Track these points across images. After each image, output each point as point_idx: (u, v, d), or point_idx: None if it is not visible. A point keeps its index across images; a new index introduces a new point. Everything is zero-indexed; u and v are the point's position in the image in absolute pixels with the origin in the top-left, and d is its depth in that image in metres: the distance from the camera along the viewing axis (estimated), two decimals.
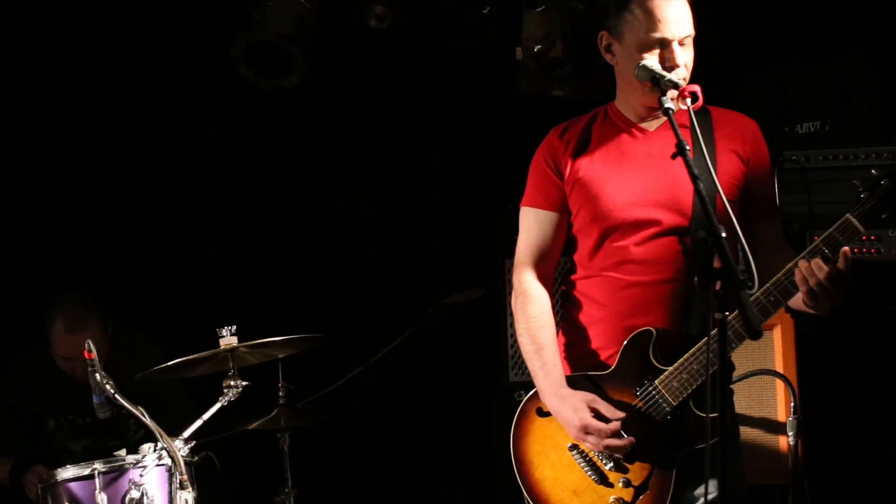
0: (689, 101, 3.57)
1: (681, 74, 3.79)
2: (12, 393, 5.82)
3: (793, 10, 6.06)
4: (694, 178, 3.35)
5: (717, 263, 3.16)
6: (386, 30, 6.47)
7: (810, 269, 3.60)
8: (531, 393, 4.03)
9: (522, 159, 4.20)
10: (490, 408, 5.87)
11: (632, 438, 3.79)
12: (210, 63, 6.51)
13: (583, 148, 4.02)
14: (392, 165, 7.00)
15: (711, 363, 3.40)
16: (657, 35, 3.78)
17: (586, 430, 3.80)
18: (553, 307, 4.09)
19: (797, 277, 3.63)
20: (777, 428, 5.12)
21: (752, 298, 3.62)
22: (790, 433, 4.93)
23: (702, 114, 3.79)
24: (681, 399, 3.78)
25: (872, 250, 5.36)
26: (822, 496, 5.08)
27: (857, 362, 5.37)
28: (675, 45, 3.79)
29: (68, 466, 4.74)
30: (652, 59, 3.78)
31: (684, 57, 3.81)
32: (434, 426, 6.90)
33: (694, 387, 3.75)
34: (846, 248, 3.61)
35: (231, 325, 4.98)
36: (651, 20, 3.79)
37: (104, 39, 6.58)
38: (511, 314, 4.28)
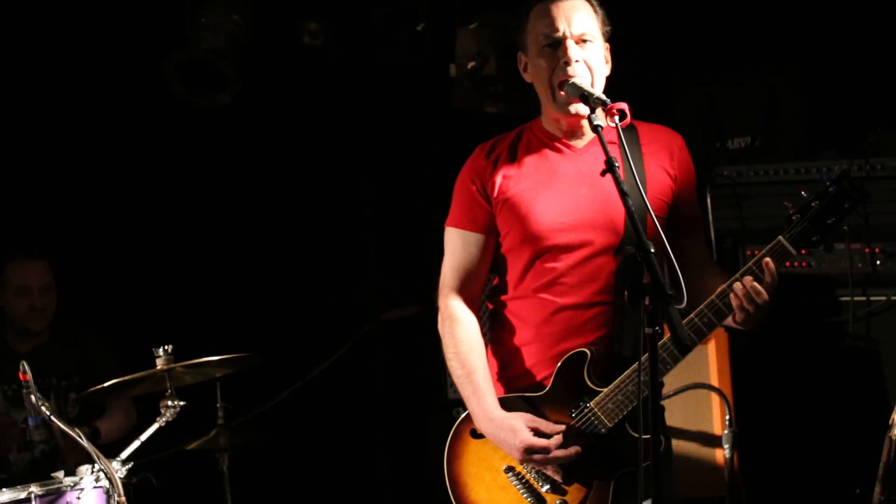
0: (616, 118, 3.52)
1: (578, 71, 3.80)
2: None
3: (722, 24, 6.12)
4: (623, 194, 3.35)
5: (646, 279, 3.18)
6: (319, 47, 6.48)
7: (749, 294, 3.60)
8: (464, 414, 3.99)
9: (457, 176, 4.18)
10: (428, 425, 5.86)
11: (578, 448, 3.76)
12: (143, 80, 6.47)
13: (510, 166, 3.97)
14: (326, 181, 6.98)
15: (651, 383, 3.40)
16: (549, 33, 3.84)
17: (530, 450, 3.77)
18: (480, 327, 4.05)
19: (733, 301, 3.64)
20: (713, 441, 5.15)
21: (685, 321, 3.64)
22: (726, 446, 4.96)
23: (628, 129, 3.75)
24: (616, 421, 3.76)
25: (804, 264, 5.42)
26: None
27: (792, 375, 5.40)
28: (568, 43, 3.82)
29: (4, 490, 4.66)
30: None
31: (580, 53, 3.82)
32: (373, 443, 6.88)
33: (629, 408, 3.73)
34: (767, 260, 3.65)
35: (167, 345, 4.94)
36: (542, 22, 3.86)
37: (35, 57, 6.52)
38: None
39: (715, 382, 5.14)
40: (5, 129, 6.57)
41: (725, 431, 4.96)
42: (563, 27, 3.82)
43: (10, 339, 5.92)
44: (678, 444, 5.11)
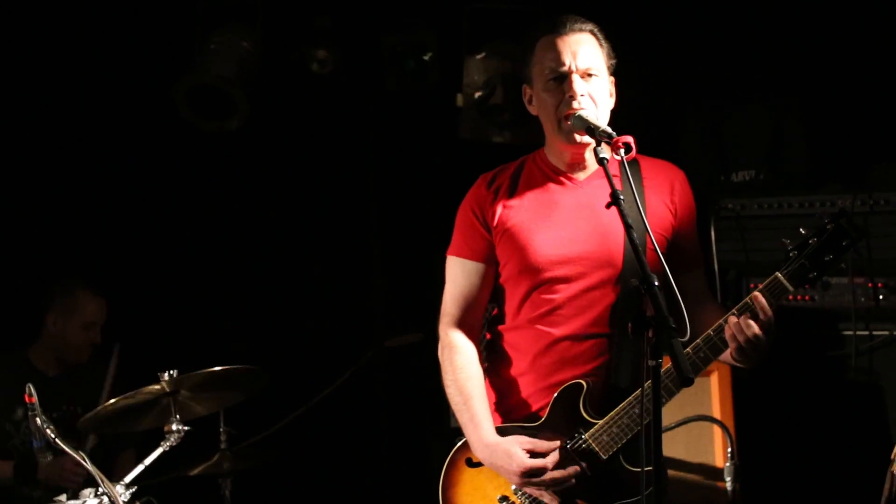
0: (622, 151, 3.54)
1: (584, 105, 3.83)
2: None
3: (726, 58, 6.14)
4: (627, 227, 3.38)
5: (649, 312, 3.19)
6: (327, 74, 6.50)
7: (740, 326, 3.63)
8: (460, 443, 4.03)
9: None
10: (430, 452, 5.86)
11: (577, 468, 3.77)
12: (152, 105, 6.50)
13: (511, 197, 4.01)
14: (332, 208, 7.00)
15: (649, 415, 3.40)
16: (554, 68, 3.87)
17: (528, 473, 3.78)
18: (479, 355, 4.08)
19: (727, 334, 3.66)
20: (715, 474, 5.13)
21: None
22: (728, 478, 4.94)
23: (631, 163, 3.74)
24: (611, 453, 3.78)
25: (807, 297, 5.43)
26: None
27: (794, 408, 5.41)
28: (574, 77, 3.85)
29: None
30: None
31: (585, 87, 3.85)
32: (375, 470, 6.88)
33: (624, 441, 3.75)
34: (758, 299, 3.66)
35: (172, 370, 4.95)
36: (547, 56, 3.89)
37: (46, 78, 6.55)
38: None
39: (717, 414, 5.13)
40: (17, 153, 6.60)
41: (727, 464, 4.95)
42: (568, 61, 3.85)
43: (40, 361, 5.95)
44: (680, 477, 5.11)
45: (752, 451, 5.19)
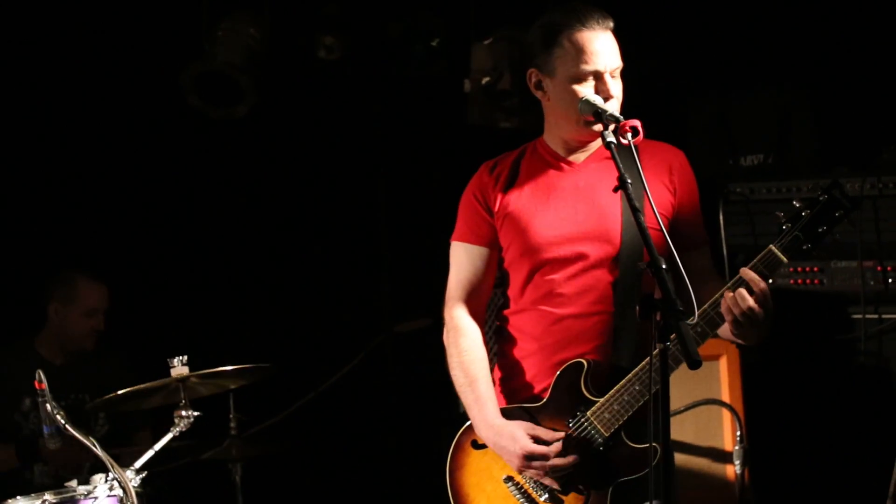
0: (629, 135, 3.58)
1: (614, 106, 3.84)
2: None
3: (735, 42, 6.13)
4: (635, 211, 3.40)
5: (656, 294, 3.20)
6: (335, 61, 6.51)
7: (734, 299, 3.64)
8: (465, 425, 4.07)
9: None
10: (440, 436, 5.88)
11: (576, 457, 3.79)
12: (160, 92, 6.51)
13: (512, 183, 4.06)
14: (340, 194, 7.01)
15: (649, 392, 3.42)
16: (590, 68, 3.85)
17: (530, 457, 3.81)
18: (486, 341, 4.11)
19: (723, 308, 3.67)
20: (724, 457, 5.15)
21: None
22: (737, 462, 4.97)
23: (628, 148, 3.70)
24: (613, 430, 3.79)
25: (816, 281, 5.43)
26: None
27: (803, 392, 5.40)
28: (607, 77, 3.86)
29: (18, 498, 4.67)
30: (593, 93, 3.82)
31: (616, 88, 3.88)
32: (385, 455, 6.89)
33: (626, 417, 3.77)
34: (747, 272, 3.67)
35: (182, 356, 4.96)
36: (582, 53, 3.86)
37: (53, 67, 6.56)
38: None
39: (726, 398, 5.14)
40: (23, 141, 6.61)
41: (736, 447, 4.97)
42: (603, 62, 3.85)
43: (46, 350, 5.98)
44: (689, 460, 5.13)
45: (761, 435, 5.20)
